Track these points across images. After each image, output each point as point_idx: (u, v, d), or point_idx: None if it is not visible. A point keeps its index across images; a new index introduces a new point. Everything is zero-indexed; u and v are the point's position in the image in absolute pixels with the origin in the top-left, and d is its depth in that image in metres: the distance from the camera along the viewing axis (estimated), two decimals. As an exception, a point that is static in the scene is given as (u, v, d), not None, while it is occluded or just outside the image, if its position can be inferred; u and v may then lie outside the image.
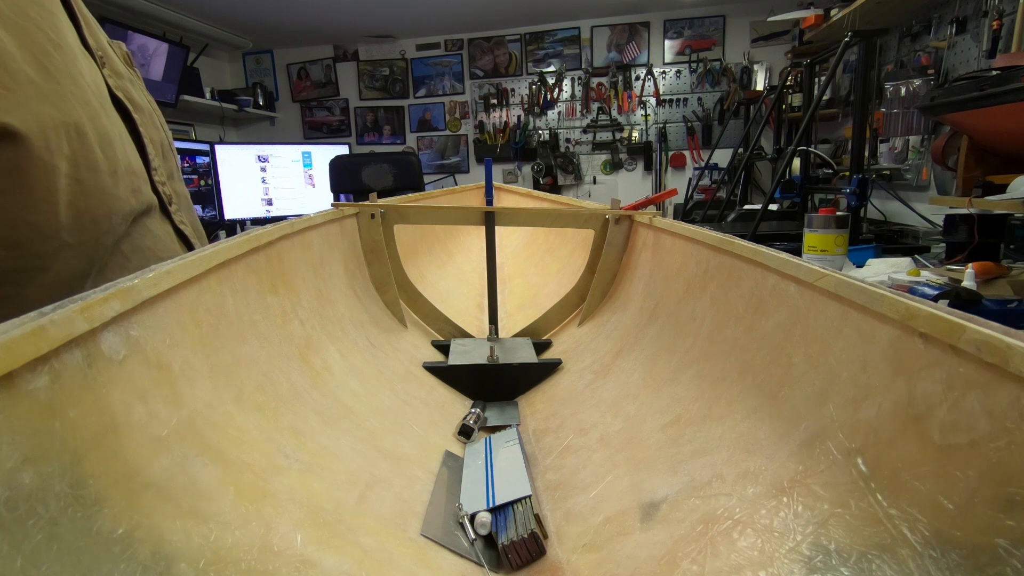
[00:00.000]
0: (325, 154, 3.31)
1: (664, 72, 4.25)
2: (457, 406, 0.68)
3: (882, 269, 1.30)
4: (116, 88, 0.43)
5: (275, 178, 3.40)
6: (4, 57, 0.30)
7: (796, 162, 2.48)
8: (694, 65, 4.16)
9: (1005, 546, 0.22)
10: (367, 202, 0.84)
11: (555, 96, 4.41)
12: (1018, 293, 1.02)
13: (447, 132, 4.66)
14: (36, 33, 0.33)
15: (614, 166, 4.41)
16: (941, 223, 1.44)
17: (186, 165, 3.01)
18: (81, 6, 0.42)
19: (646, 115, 4.29)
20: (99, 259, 0.38)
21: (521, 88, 4.49)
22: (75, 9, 0.40)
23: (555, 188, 4.36)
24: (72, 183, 0.33)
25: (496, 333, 0.84)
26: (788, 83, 3.16)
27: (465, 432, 0.59)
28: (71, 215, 0.34)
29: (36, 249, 0.33)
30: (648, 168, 4.35)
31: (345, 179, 3.27)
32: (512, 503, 0.44)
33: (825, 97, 2.71)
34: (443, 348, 0.81)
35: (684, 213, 3.36)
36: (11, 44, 0.31)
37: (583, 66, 4.35)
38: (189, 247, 0.49)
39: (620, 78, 4.28)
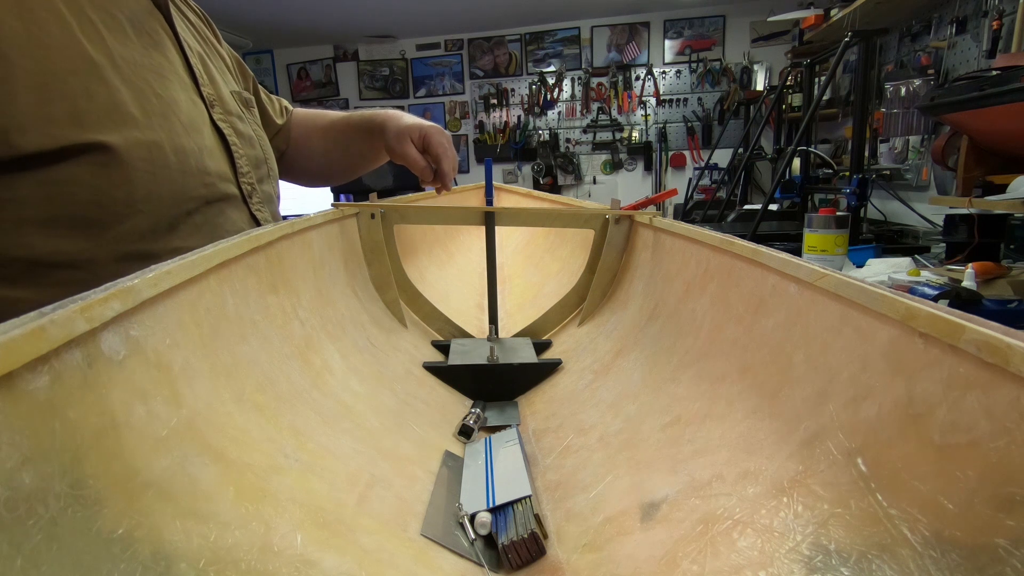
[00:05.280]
0: (325, 154, 3.30)
1: (664, 72, 4.25)
2: (457, 406, 0.68)
3: (882, 269, 1.30)
4: (219, 120, 0.65)
5: (275, 178, 3.40)
6: (119, 104, 0.52)
7: (796, 162, 2.48)
8: (694, 65, 4.17)
9: (1005, 546, 0.22)
10: (367, 202, 0.84)
11: (555, 96, 4.41)
12: (1018, 293, 1.02)
13: (447, 132, 4.65)
14: (146, 89, 0.55)
15: (614, 166, 4.41)
16: (941, 223, 1.44)
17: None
18: (201, 71, 0.65)
19: (646, 115, 4.30)
20: (168, 222, 0.56)
21: (521, 88, 4.49)
22: (195, 72, 0.64)
23: (555, 188, 4.37)
24: (147, 175, 0.53)
25: (496, 333, 0.83)
26: (788, 83, 3.16)
27: (465, 432, 0.59)
28: (144, 193, 0.53)
29: (118, 210, 0.52)
30: (648, 168, 4.36)
31: (345, 179, 3.26)
32: (512, 503, 0.44)
33: (825, 97, 2.70)
34: (443, 348, 0.81)
35: (684, 213, 3.36)
36: (127, 96, 0.53)
37: (583, 66, 4.35)
38: None
39: (620, 78, 4.28)
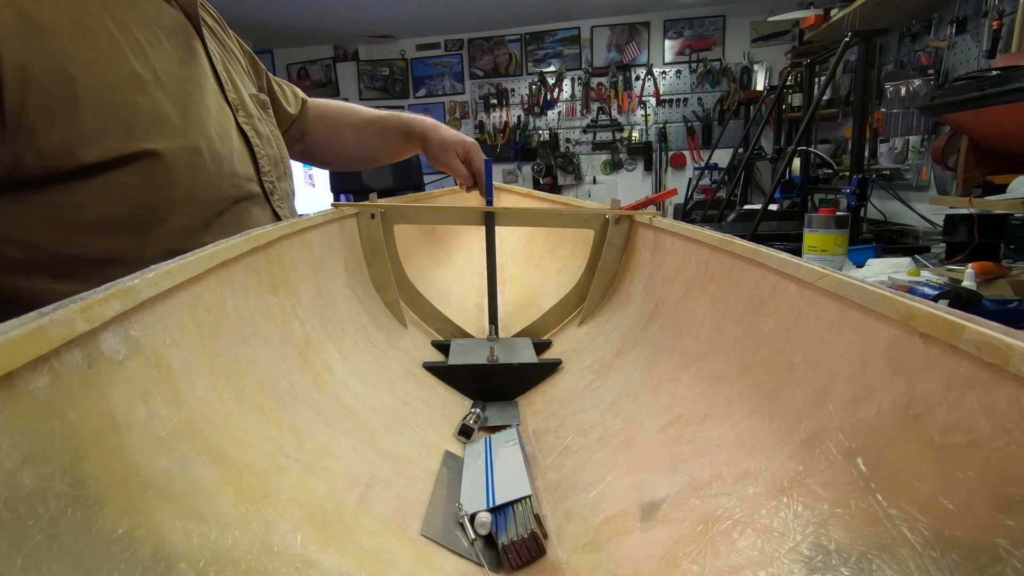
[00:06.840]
0: (325, 154, 3.30)
1: (664, 72, 4.25)
2: (457, 406, 0.68)
3: (882, 269, 1.30)
4: (243, 123, 0.69)
5: (275, 178, 3.40)
6: (163, 114, 0.56)
7: (796, 162, 2.48)
8: (694, 65, 4.17)
9: (1005, 546, 0.22)
10: (367, 202, 0.84)
11: (555, 96, 4.41)
12: (1018, 293, 1.02)
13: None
14: (185, 97, 0.59)
15: (614, 166, 4.41)
16: (941, 223, 1.44)
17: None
18: (226, 77, 0.69)
19: (646, 115, 4.30)
20: (203, 221, 0.60)
21: (521, 88, 4.49)
22: (221, 79, 0.68)
23: (555, 188, 4.37)
24: (187, 179, 0.57)
25: (496, 333, 0.83)
26: (788, 83, 3.16)
27: (465, 432, 0.59)
28: (184, 195, 0.57)
29: (161, 211, 0.56)
30: (648, 168, 4.35)
31: (345, 179, 3.27)
32: (512, 503, 0.44)
33: (825, 97, 2.70)
34: (443, 348, 0.81)
35: (684, 213, 3.36)
36: (169, 106, 0.57)
37: (583, 66, 4.35)
38: None
39: (620, 78, 4.28)
